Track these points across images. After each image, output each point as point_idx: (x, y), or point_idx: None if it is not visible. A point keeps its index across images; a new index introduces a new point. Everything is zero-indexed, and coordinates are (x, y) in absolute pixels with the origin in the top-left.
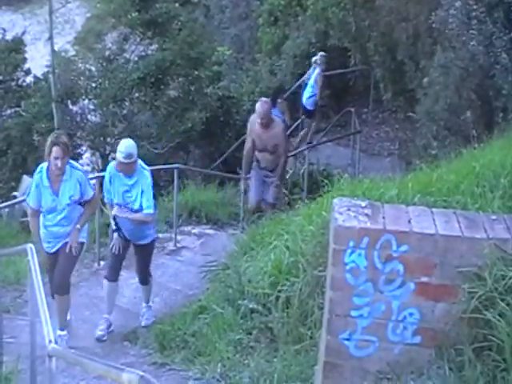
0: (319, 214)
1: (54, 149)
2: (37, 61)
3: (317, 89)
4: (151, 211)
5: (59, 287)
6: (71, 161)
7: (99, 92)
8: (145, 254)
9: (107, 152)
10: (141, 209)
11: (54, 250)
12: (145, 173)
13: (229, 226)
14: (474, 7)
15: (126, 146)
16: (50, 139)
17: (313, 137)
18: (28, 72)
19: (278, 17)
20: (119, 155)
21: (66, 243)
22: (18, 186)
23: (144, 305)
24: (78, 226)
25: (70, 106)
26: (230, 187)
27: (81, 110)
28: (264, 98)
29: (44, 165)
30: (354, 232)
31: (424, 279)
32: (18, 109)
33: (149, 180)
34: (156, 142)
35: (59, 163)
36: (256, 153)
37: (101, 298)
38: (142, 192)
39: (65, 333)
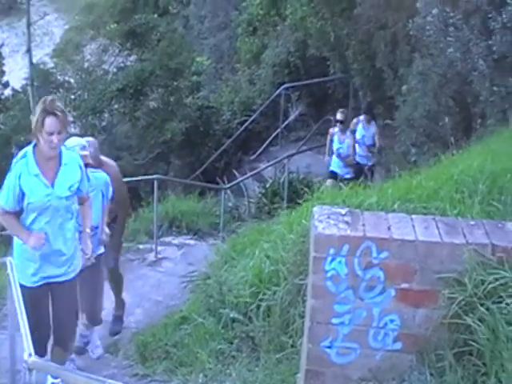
0: (299, 223)
1: (49, 120)
2: (15, 73)
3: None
4: None
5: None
6: None
7: (78, 104)
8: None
9: None
10: None
11: (42, 282)
12: None
13: (209, 235)
14: (451, 14)
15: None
16: (41, 106)
17: (292, 145)
18: (6, 85)
19: (257, 26)
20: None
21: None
22: None
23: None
24: (88, 229)
25: None
26: (210, 197)
27: None
28: (91, 139)
29: (28, 148)
30: (334, 240)
31: (404, 285)
32: None
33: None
34: (136, 153)
35: (55, 139)
36: None
37: None
38: None
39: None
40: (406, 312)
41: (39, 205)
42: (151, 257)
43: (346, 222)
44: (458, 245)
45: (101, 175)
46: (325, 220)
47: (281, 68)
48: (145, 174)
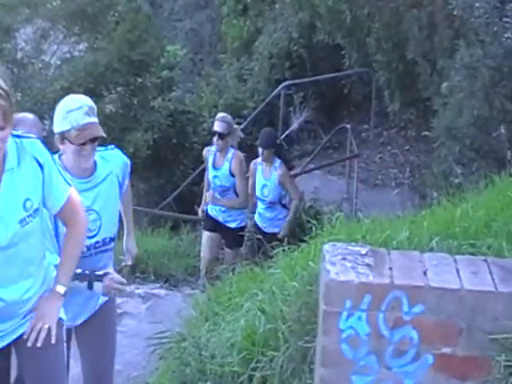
0: (305, 266)
1: None
2: None
3: None
4: None
5: None
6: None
7: None
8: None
9: None
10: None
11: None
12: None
13: (185, 283)
14: None
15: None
16: None
17: (295, 163)
18: None
19: (249, 5)
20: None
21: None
22: None
23: None
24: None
25: None
26: (186, 232)
27: None
28: (31, 116)
29: None
30: (351, 288)
31: (446, 350)
32: None
33: None
34: None
35: None
36: None
37: None
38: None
39: None
40: None
41: None
42: None
43: (368, 265)
44: None
45: (115, 153)
46: (339, 262)
47: (280, 60)
48: None
